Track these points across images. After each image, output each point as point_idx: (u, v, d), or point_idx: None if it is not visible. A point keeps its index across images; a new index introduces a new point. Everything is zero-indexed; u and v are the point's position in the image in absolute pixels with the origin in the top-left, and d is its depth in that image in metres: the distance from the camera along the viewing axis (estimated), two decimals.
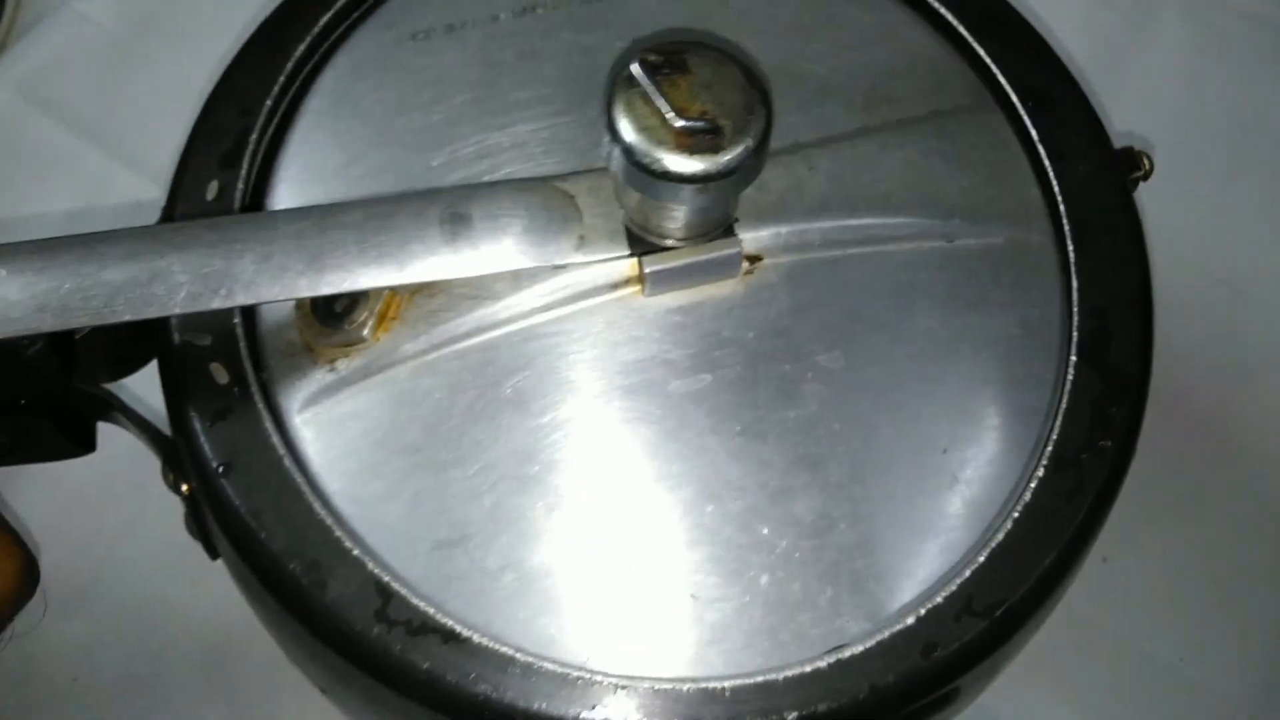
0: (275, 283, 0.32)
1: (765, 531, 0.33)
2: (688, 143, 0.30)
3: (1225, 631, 0.51)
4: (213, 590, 0.40)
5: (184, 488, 0.36)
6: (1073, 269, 0.36)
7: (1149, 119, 0.58)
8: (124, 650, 0.51)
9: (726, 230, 0.35)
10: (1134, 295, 0.36)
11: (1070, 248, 0.37)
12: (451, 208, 0.33)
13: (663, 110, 0.30)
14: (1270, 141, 0.59)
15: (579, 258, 0.34)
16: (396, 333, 0.35)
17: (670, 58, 0.31)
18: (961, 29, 0.40)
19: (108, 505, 0.53)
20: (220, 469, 0.34)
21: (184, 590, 0.51)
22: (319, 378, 0.35)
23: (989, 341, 0.36)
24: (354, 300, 0.35)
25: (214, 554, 0.38)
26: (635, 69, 0.30)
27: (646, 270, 0.34)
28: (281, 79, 0.39)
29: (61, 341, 0.33)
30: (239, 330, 0.35)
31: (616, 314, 0.35)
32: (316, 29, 0.40)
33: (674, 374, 0.35)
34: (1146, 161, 0.40)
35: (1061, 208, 0.37)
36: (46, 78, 0.61)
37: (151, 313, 0.31)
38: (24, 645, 0.50)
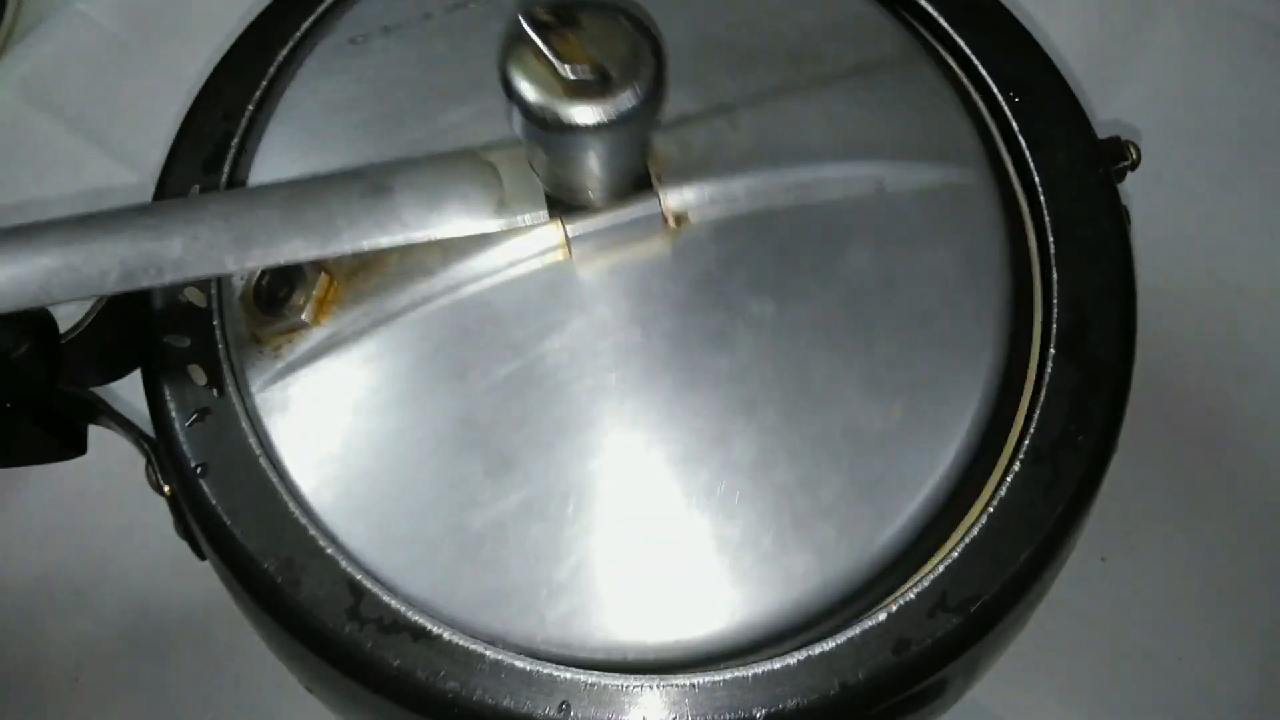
0: (203, 260, 0.32)
1: (703, 476, 0.33)
2: (578, 92, 0.30)
3: (1224, 631, 0.50)
4: (214, 589, 0.40)
5: (166, 489, 0.37)
6: (1052, 260, 0.36)
7: (1148, 118, 0.58)
8: (126, 650, 0.52)
9: (645, 188, 0.35)
10: (1114, 287, 0.36)
11: (1050, 239, 0.36)
12: (374, 181, 0.34)
13: (554, 63, 0.30)
14: (1269, 140, 0.59)
15: (500, 224, 0.34)
16: (337, 315, 0.35)
17: (559, 15, 0.31)
18: (941, 19, 0.40)
19: (108, 505, 0.54)
20: (198, 469, 0.34)
21: (185, 589, 0.51)
22: (267, 365, 0.35)
23: (920, 281, 0.35)
24: (291, 286, 0.35)
25: (201, 554, 0.38)
26: (524, 25, 0.30)
27: (569, 234, 0.35)
28: (264, 83, 0.40)
29: (48, 345, 0.33)
30: (218, 332, 0.36)
31: (548, 279, 0.35)
32: (299, 33, 0.40)
33: (605, 333, 0.35)
34: (1133, 151, 0.40)
35: (1041, 198, 0.37)
36: (48, 78, 0.62)
37: (85, 294, 0.32)
38: (26, 644, 0.51)
